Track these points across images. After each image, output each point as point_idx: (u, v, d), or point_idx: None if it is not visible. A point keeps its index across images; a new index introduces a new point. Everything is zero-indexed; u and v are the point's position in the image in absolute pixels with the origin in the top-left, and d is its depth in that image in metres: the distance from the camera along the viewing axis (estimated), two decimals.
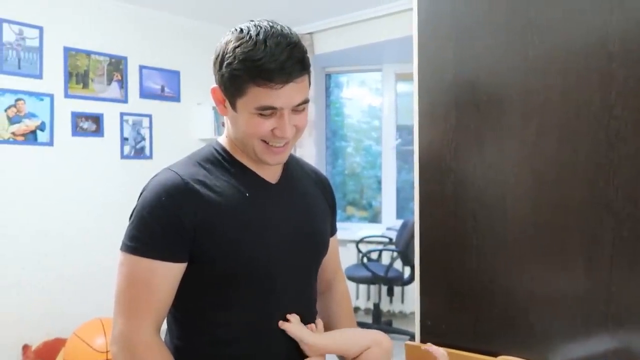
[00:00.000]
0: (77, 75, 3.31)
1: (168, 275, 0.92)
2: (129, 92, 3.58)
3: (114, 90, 3.49)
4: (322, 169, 4.70)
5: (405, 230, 3.70)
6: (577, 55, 1.16)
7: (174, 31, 3.81)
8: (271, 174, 1.04)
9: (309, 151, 4.16)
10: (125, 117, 3.55)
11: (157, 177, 0.98)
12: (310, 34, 4.11)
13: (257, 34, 0.88)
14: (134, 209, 0.96)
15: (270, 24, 0.92)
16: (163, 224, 0.91)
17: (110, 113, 3.47)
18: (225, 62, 0.90)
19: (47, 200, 3.16)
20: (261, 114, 0.91)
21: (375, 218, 4.78)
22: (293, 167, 1.11)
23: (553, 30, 1.19)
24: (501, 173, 1.28)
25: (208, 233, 0.92)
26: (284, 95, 0.89)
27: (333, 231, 1.23)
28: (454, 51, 1.35)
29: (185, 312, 1.00)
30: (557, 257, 1.20)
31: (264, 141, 0.95)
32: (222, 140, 1.05)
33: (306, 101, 0.95)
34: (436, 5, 1.37)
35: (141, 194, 0.98)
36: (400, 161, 4.56)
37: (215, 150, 1.03)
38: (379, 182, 4.66)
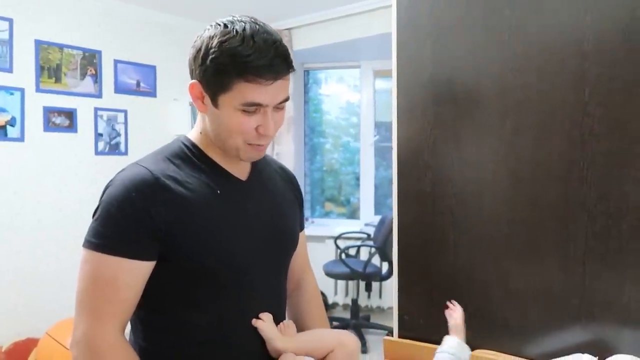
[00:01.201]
0: (49, 69, 3.22)
1: (136, 273, 0.89)
2: (104, 87, 3.50)
3: (87, 84, 3.42)
4: (301, 165, 4.69)
5: (383, 227, 3.72)
6: (552, 54, 1.18)
7: (150, 25, 3.75)
8: (241, 171, 1.04)
9: (287, 148, 4.14)
10: (99, 113, 3.47)
11: (124, 172, 0.95)
12: (288, 29, 4.09)
13: (244, 30, 0.88)
14: (99, 204, 0.93)
15: (252, 19, 0.92)
16: (132, 221, 0.88)
17: (84, 108, 3.40)
18: (210, 57, 0.88)
19: (18, 197, 3.08)
20: (245, 111, 0.90)
21: (353, 214, 4.80)
22: (261, 164, 1.10)
23: (529, 29, 1.21)
24: (478, 170, 1.29)
25: (179, 230, 0.90)
26: (271, 92, 0.90)
27: (301, 227, 1.23)
28: (433, 49, 1.36)
29: (152, 311, 0.96)
30: (532, 253, 1.22)
31: (246, 140, 0.94)
32: (193, 135, 1.03)
33: (287, 98, 0.95)
34: (415, 3, 1.38)
35: (106, 189, 0.94)
36: (378, 158, 4.59)
37: (185, 145, 1.01)
38: (357, 179, 4.68)
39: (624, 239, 1.10)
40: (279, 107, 0.94)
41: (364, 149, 4.57)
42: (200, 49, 0.91)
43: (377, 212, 4.53)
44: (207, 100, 0.93)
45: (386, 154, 4.54)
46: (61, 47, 3.28)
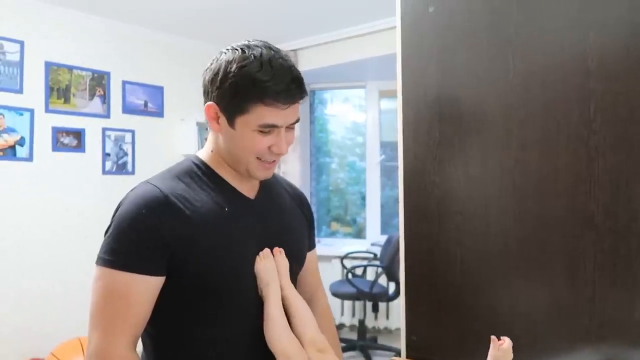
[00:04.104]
0: (58, 90, 3.27)
1: (147, 289, 0.92)
2: (112, 108, 3.55)
3: (96, 105, 3.46)
4: (307, 184, 4.69)
5: (389, 246, 3.70)
6: (556, 71, 1.18)
7: (157, 47, 3.80)
8: (249, 189, 1.06)
9: (293, 167, 4.15)
10: (107, 133, 3.51)
11: (135, 190, 0.98)
12: (294, 50, 4.14)
13: (261, 55, 0.92)
14: (111, 222, 0.95)
15: (266, 44, 0.96)
16: (143, 237, 0.91)
17: (92, 128, 3.43)
18: (230, 81, 0.92)
19: (26, 216, 3.10)
20: (261, 131, 0.94)
21: (359, 234, 4.78)
22: (270, 182, 1.12)
23: (532, 46, 1.21)
24: (484, 187, 1.29)
25: (187, 247, 0.93)
26: (286, 114, 0.95)
27: (311, 246, 1.24)
28: (437, 68, 1.37)
29: (161, 327, 0.99)
30: (539, 271, 1.21)
31: (258, 157, 0.98)
32: (203, 155, 1.06)
33: (298, 119, 1.00)
34: (419, 24, 1.39)
35: (118, 207, 0.97)
36: (384, 177, 4.59)
37: (195, 164, 1.04)
38: (363, 198, 4.67)
39: (633, 257, 1.09)
40: (291, 127, 0.99)
41: (369, 169, 4.57)
42: (218, 72, 0.94)
43: (383, 231, 4.51)
44: (223, 120, 0.97)
45: (392, 174, 4.54)
46: (70, 68, 3.34)
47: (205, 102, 0.99)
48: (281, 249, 1.06)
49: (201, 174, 1.02)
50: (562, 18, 1.17)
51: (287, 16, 3.53)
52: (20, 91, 3.09)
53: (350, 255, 4.04)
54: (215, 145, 1.04)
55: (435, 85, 1.37)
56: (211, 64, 0.98)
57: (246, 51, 0.93)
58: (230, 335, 0.99)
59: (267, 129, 0.94)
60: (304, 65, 4.13)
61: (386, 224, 4.56)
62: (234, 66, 0.92)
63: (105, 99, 3.51)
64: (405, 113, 1.42)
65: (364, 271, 4.07)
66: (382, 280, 3.71)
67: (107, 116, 3.52)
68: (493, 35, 1.27)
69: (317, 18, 3.59)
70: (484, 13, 1.28)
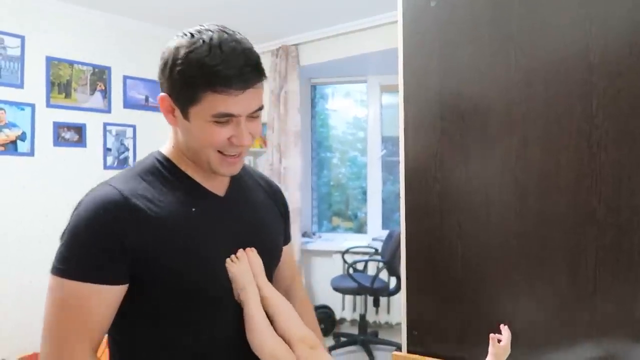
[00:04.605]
0: (59, 85, 3.27)
1: (105, 299, 0.84)
2: (113, 102, 3.55)
3: (97, 100, 3.46)
4: (308, 180, 4.69)
5: (390, 241, 3.70)
6: (558, 67, 1.18)
7: (158, 42, 3.78)
8: (219, 186, 1.00)
9: (294, 162, 4.15)
10: (108, 128, 3.51)
11: (93, 193, 0.90)
12: (295, 45, 4.13)
13: (210, 39, 0.84)
14: (66, 227, 0.88)
15: (221, 28, 0.88)
16: (102, 245, 0.84)
17: (93, 123, 3.44)
18: (177, 69, 0.85)
19: (27, 212, 3.10)
20: (217, 122, 0.87)
21: (360, 229, 4.78)
22: (242, 177, 1.05)
23: (534, 42, 1.21)
24: (486, 183, 1.29)
25: (152, 252, 0.86)
26: (241, 101, 0.86)
27: (287, 240, 1.19)
28: (439, 63, 1.36)
29: (127, 334, 0.92)
30: (541, 267, 1.21)
31: (220, 151, 0.91)
32: (166, 150, 0.99)
33: (261, 107, 0.92)
34: (421, 18, 1.39)
35: (75, 210, 0.90)
36: (385, 172, 4.58)
37: (158, 161, 0.97)
38: (365, 193, 4.67)
39: (635, 252, 1.09)
40: (254, 116, 0.90)
41: (371, 164, 4.57)
42: (167, 61, 0.87)
43: (384, 226, 4.51)
44: (178, 113, 0.90)
45: (393, 169, 4.54)
46: (71, 63, 3.33)
47: (160, 94, 0.92)
48: (253, 249, 0.99)
49: (165, 171, 0.95)
50: (564, 13, 1.17)
51: (288, 11, 3.52)
52: (21, 86, 3.09)
53: (351, 250, 4.04)
54: (175, 140, 0.96)
55: (436, 80, 1.36)
56: (163, 52, 0.90)
57: (195, 35, 0.85)
58: (204, 341, 0.92)
59: (222, 118, 0.86)
60: (305, 60, 4.12)
61: (387, 219, 4.56)
62: (181, 52, 0.84)
63: (106, 93, 3.51)
64: (406, 108, 1.42)
65: (365, 266, 4.08)
66: (383, 275, 3.72)
67: (108, 111, 3.52)
68: (495, 30, 1.27)
69: (318, 12, 3.58)
70: (485, 8, 1.28)
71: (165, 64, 0.88)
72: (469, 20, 1.31)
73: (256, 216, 1.05)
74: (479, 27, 1.29)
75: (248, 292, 0.95)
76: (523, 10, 1.22)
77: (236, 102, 0.85)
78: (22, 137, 3.09)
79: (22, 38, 3.09)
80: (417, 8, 1.39)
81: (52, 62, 3.23)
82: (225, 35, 0.86)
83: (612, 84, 1.11)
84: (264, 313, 0.97)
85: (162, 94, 0.91)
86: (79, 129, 3.36)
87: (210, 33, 0.86)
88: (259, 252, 1.01)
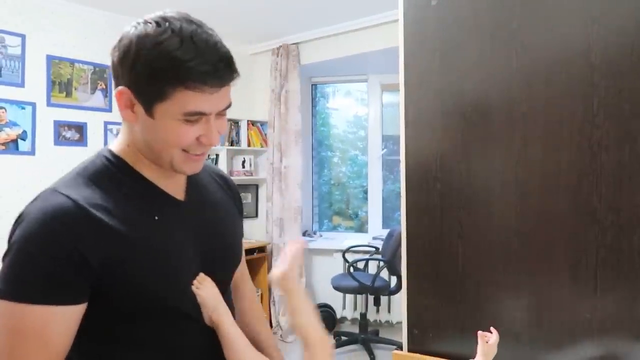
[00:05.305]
0: (60, 84, 3.27)
1: (66, 319, 0.76)
2: (113, 101, 3.54)
3: (97, 99, 3.46)
4: (308, 178, 4.69)
5: (391, 240, 3.70)
6: (560, 66, 1.18)
7: None
8: (176, 188, 0.92)
9: (295, 161, 4.15)
10: (109, 127, 3.51)
11: (39, 203, 0.79)
12: (296, 44, 4.12)
13: (180, 30, 0.77)
14: (11, 244, 0.76)
15: (186, 16, 0.81)
16: (60, 261, 0.74)
17: (94, 122, 3.44)
18: (143, 60, 0.77)
19: None
20: (187, 120, 0.80)
21: (361, 228, 4.78)
22: (198, 175, 0.97)
23: (536, 42, 1.21)
24: (487, 182, 1.29)
25: (115, 267, 0.78)
26: (214, 100, 0.80)
27: (242, 235, 1.14)
28: (440, 62, 1.36)
29: (87, 355, 0.84)
30: (542, 265, 1.21)
31: (184, 150, 0.84)
32: (118, 149, 0.89)
33: (230, 105, 0.85)
34: (422, 17, 1.39)
35: (16, 225, 0.78)
36: (386, 171, 4.58)
37: (110, 161, 0.87)
38: (365, 192, 4.67)
39: (636, 251, 1.09)
40: (221, 113, 0.85)
41: (371, 163, 4.57)
42: (129, 51, 0.79)
43: (385, 225, 4.51)
44: (139, 108, 0.81)
45: (394, 168, 4.54)
46: (72, 62, 3.33)
47: (116, 87, 0.82)
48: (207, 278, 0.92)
49: (119, 173, 0.86)
50: (565, 13, 1.17)
51: (288, 9, 3.51)
52: (22, 85, 3.09)
53: (352, 249, 4.04)
54: (131, 138, 0.87)
55: (437, 79, 1.36)
56: (120, 40, 0.82)
57: (162, 24, 0.78)
58: (165, 354, 0.86)
59: (193, 117, 0.79)
60: (306, 59, 4.11)
61: (388, 218, 4.56)
62: (148, 42, 0.76)
63: (107, 92, 3.51)
64: (407, 107, 1.42)
65: (366, 265, 4.08)
66: (384, 274, 3.72)
67: (109, 110, 3.52)
68: (496, 29, 1.26)
69: (319, 11, 3.58)
70: (487, 7, 1.28)
71: (125, 54, 0.79)
72: (470, 19, 1.31)
73: (217, 217, 1.00)
74: (480, 26, 1.29)
75: (220, 312, 0.91)
76: (524, 10, 1.22)
77: (209, 100, 0.79)
78: (23, 136, 3.09)
79: (23, 37, 3.09)
80: (418, 7, 1.39)
81: (52, 61, 3.23)
82: (195, 26, 0.79)
83: (614, 84, 1.10)
84: (240, 330, 0.94)
85: (121, 87, 0.81)
86: (80, 128, 3.37)
87: (178, 22, 0.78)
88: (223, 256, 0.98)
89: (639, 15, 1.08)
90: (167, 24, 0.78)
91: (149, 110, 0.80)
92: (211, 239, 0.95)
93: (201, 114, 0.80)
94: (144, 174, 0.88)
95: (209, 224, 0.96)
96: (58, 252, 0.74)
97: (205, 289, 0.90)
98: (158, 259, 0.83)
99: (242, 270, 1.14)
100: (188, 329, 0.89)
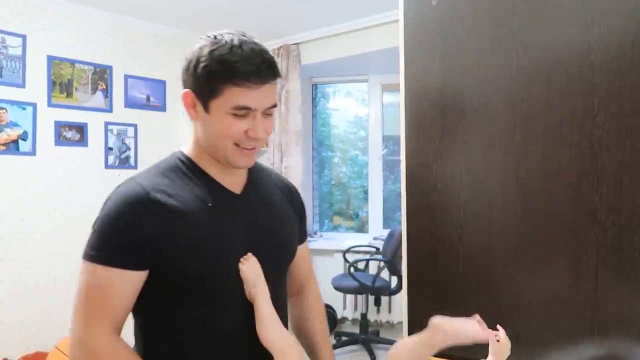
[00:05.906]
0: (60, 84, 3.27)
1: (126, 282, 0.94)
2: (114, 102, 3.54)
3: (98, 99, 3.46)
4: (309, 179, 4.69)
5: (392, 240, 3.70)
6: (560, 66, 1.17)
7: (159, 41, 3.79)
8: (235, 184, 1.06)
9: (295, 161, 4.15)
10: (109, 127, 3.51)
11: (120, 188, 1.00)
12: (296, 44, 4.12)
13: (232, 40, 0.94)
14: (97, 218, 0.98)
15: (241, 33, 0.98)
16: (124, 234, 0.93)
17: (95, 122, 3.43)
18: (201, 65, 0.94)
19: (29, 211, 3.11)
20: (236, 115, 0.94)
21: (361, 228, 4.78)
22: (259, 176, 1.13)
23: (536, 41, 1.21)
24: (487, 182, 1.29)
25: (169, 242, 0.94)
26: (258, 96, 0.94)
27: (302, 238, 1.23)
28: (440, 62, 1.36)
29: (148, 319, 1.01)
30: (542, 265, 1.21)
31: (236, 144, 0.98)
32: (187, 149, 1.07)
33: (275, 105, 1.00)
34: (422, 17, 1.39)
35: (105, 203, 0.99)
36: (386, 171, 4.58)
37: (179, 160, 1.05)
38: (366, 192, 4.67)
39: (637, 251, 1.09)
40: (268, 112, 0.99)
41: (372, 163, 4.56)
42: (191, 60, 0.96)
43: (385, 225, 4.51)
44: (199, 107, 0.98)
45: (394, 168, 4.54)
46: (73, 62, 3.33)
47: (183, 90, 1.00)
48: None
49: (185, 169, 1.03)
50: (566, 12, 1.16)
51: (289, 9, 3.51)
52: (22, 85, 3.09)
53: (352, 249, 4.04)
54: (195, 137, 1.05)
55: (438, 79, 1.36)
56: (187, 54, 0.99)
57: (218, 37, 0.95)
58: (216, 330, 0.99)
59: (241, 111, 0.94)
60: (306, 59, 4.11)
61: (388, 218, 4.56)
62: (205, 51, 0.94)
63: (107, 93, 3.51)
64: (408, 107, 1.42)
65: (366, 265, 4.07)
66: (384, 274, 3.72)
67: (110, 110, 3.52)
68: (496, 29, 1.26)
69: (319, 11, 3.58)
70: (487, 6, 1.27)
71: (189, 63, 0.97)
72: (470, 19, 1.30)
73: (270, 214, 1.11)
74: (480, 26, 1.29)
75: (258, 289, 1.00)
76: (525, 9, 1.22)
77: (253, 96, 0.94)
78: (24, 136, 3.09)
79: (24, 37, 3.09)
80: (418, 7, 1.39)
81: (53, 62, 3.23)
82: (245, 38, 0.96)
83: (614, 83, 1.10)
84: (273, 309, 1.01)
85: (186, 90, 0.99)
86: (81, 128, 3.36)
87: (231, 36, 0.96)
88: (271, 249, 1.07)
89: (639, 15, 1.07)
90: (221, 36, 0.95)
91: (206, 107, 0.96)
92: (261, 232, 1.06)
93: (247, 108, 0.94)
94: (206, 169, 1.04)
95: (260, 218, 1.07)
96: (123, 227, 0.93)
97: (249, 264, 1.00)
98: (205, 237, 0.97)
99: (307, 270, 1.28)
100: (228, 306, 1.00)
